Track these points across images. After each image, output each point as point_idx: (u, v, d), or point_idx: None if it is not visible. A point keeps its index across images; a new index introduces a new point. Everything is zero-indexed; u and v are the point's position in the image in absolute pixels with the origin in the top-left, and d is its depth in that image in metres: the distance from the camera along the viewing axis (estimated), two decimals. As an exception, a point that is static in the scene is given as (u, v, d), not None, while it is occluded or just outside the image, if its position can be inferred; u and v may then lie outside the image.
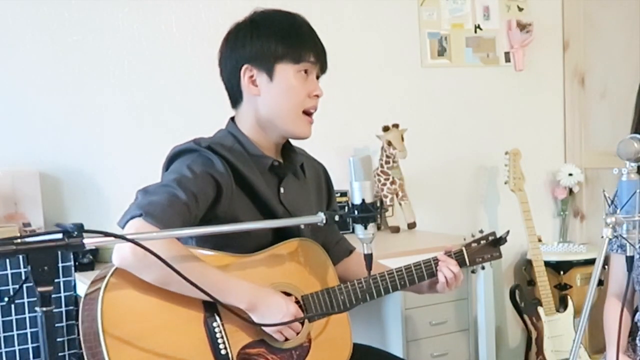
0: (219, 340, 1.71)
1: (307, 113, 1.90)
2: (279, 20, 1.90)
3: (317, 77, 1.93)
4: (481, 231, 2.13)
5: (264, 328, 1.74)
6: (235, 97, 1.94)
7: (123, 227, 1.67)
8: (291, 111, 1.88)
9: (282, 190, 1.93)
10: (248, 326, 1.74)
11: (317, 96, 1.91)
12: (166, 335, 1.67)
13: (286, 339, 1.78)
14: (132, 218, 1.66)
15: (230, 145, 1.88)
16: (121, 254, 1.62)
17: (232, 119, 1.97)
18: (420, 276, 1.98)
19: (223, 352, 1.71)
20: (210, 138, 1.92)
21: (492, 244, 2.11)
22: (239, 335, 1.74)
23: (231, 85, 1.93)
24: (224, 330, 1.72)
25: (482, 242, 2.09)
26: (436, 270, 1.99)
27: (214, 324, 1.71)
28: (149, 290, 1.66)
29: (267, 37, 1.86)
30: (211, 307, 1.72)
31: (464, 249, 2.05)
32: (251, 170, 1.86)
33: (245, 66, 1.87)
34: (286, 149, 2.00)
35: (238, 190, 1.83)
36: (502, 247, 2.13)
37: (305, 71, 1.88)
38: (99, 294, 1.61)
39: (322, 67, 1.93)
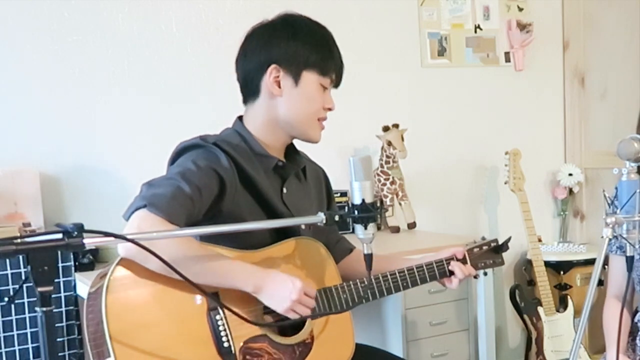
0: (222, 334, 1.71)
1: (320, 120, 1.96)
2: (314, 30, 1.94)
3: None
4: (483, 238, 2.14)
5: (276, 310, 1.73)
6: (251, 92, 1.94)
7: (128, 219, 1.69)
8: (308, 117, 1.92)
9: (284, 190, 1.95)
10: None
11: (330, 109, 1.96)
12: (169, 328, 1.67)
13: (301, 317, 1.76)
14: (136, 209, 1.68)
15: (236, 143, 1.89)
16: (126, 244, 1.63)
17: (240, 118, 1.98)
18: (423, 278, 2.00)
19: (226, 345, 1.71)
20: (216, 135, 1.93)
21: (494, 250, 2.12)
22: (242, 329, 1.75)
23: (250, 79, 1.93)
24: (227, 323, 1.73)
25: (484, 247, 2.10)
26: (440, 275, 2.01)
27: (217, 317, 1.72)
28: (151, 284, 1.67)
29: (304, 43, 1.89)
30: (214, 301, 1.72)
31: (465, 253, 2.06)
32: (255, 169, 1.87)
33: (273, 66, 1.88)
34: (290, 150, 2.01)
35: (242, 188, 1.84)
36: (502, 250, 2.15)
37: (325, 88, 1.93)
38: (103, 288, 1.61)
39: (338, 84, 1.99)
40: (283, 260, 1.87)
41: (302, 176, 2.04)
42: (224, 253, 1.79)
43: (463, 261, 2.03)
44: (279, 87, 1.89)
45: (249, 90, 1.94)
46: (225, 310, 1.73)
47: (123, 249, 1.64)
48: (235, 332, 1.73)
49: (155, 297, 1.67)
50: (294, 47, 1.88)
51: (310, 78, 1.89)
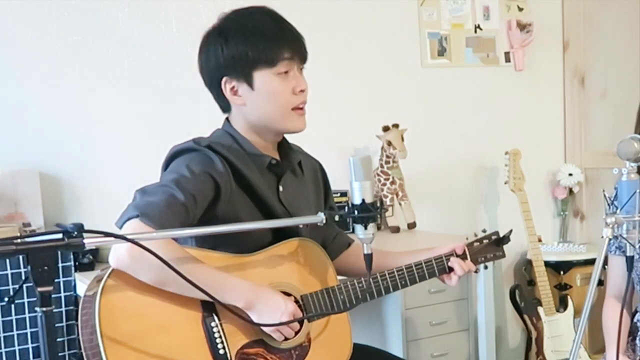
0: (217, 340, 1.70)
1: (297, 108, 1.88)
2: (244, 24, 1.84)
3: (301, 69, 1.89)
4: (484, 231, 2.12)
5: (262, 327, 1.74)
6: (223, 106, 1.94)
7: (120, 228, 1.67)
8: (279, 113, 1.86)
9: (281, 188, 1.93)
10: (247, 326, 1.73)
11: (303, 91, 1.88)
12: (164, 335, 1.66)
13: (286, 339, 1.78)
14: (129, 219, 1.66)
15: (228, 144, 1.87)
16: (117, 255, 1.61)
17: (227, 118, 1.96)
18: (422, 276, 1.98)
19: (221, 352, 1.70)
20: (209, 137, 1.92)
21: (495, 244, 2.10)
22: (237, 335, 1.74)
23: (216, 98, 1.93)
24: (223, 330, 1.72)
25: (485, 241, 2.09)
26: (439, 272, 2.00)
27: (212, 324, 1.71)
28: (146, 290, 1.66)
29: (237, 45, 1.82)
30: (209, 307, 1.71)
31: (465, 248, 2.05)
32: (250, 169, 1.86)
33: (224, 79, 1.85)
34: (283, 146, 1.99)
35: (237, 189, 1.83)
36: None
37: (285, 71, 1.84)
38: (97, 295, 1.60)
39: (302, 58, 1.88)
40: (281, 261, 1.85)
41: (298, 171, 2.01)
42: (221, 259, 1.77)
43: (463, 257, 2.03)
44: (239, 96, 1.86)
45: (220, 103, 1.93)
46: (221, 317, 1.72)
47: (114, 259, 1.62)
48: (230, 338, 1.73)
49: (149, 303, 1.66)
50: (231, 54, 1.82)
51: (262, 76, 1.83)
